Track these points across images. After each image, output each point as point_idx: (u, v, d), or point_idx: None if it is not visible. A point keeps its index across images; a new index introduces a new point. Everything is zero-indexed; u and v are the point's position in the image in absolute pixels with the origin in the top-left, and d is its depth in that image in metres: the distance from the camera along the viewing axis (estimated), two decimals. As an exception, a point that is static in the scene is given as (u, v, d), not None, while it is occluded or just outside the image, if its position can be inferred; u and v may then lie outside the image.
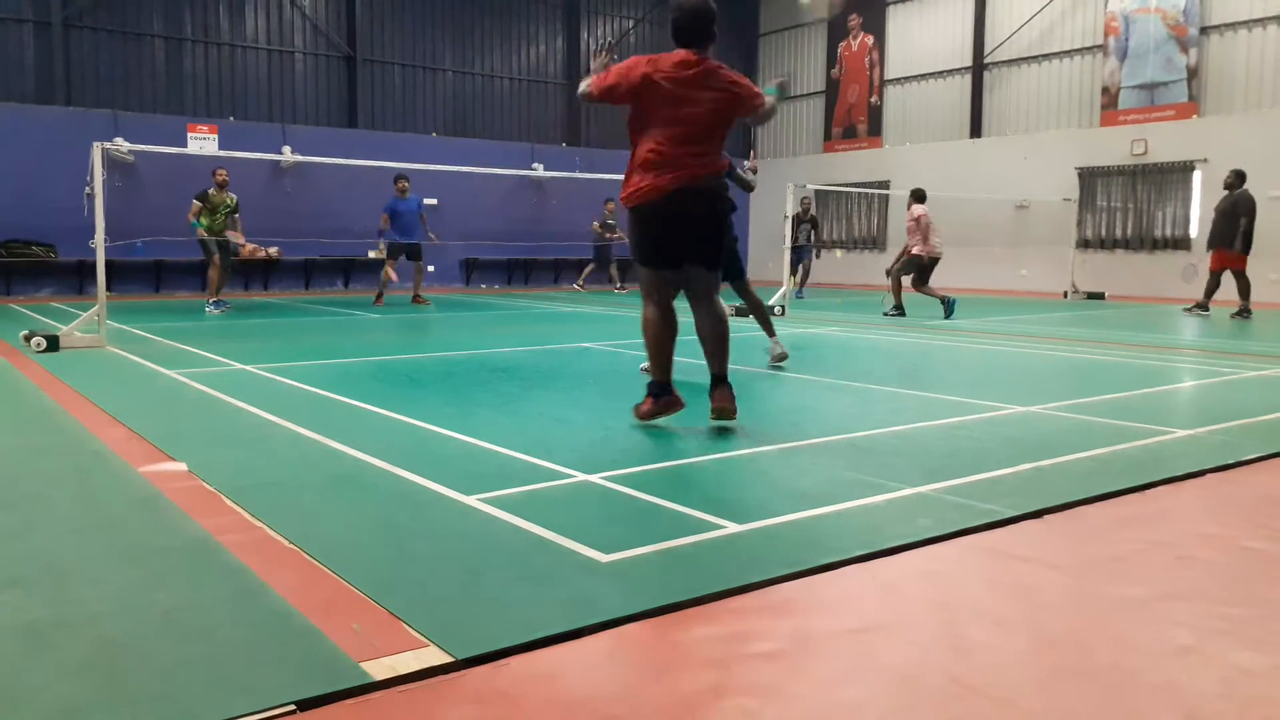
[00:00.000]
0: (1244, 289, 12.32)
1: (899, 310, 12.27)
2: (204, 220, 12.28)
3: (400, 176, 13.87)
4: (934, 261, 12.43)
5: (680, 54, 4.65)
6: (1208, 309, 12.58)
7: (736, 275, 7.13)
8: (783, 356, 7.28)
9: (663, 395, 4.77)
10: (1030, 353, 8.50)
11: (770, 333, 7.42)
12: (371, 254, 18.22)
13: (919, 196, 12.55)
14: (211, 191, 12.34)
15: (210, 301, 12.51)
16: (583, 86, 4.75)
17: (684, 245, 4.70)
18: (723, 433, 4.69)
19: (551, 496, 3.55)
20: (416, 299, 14.25)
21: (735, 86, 4.71)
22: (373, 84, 19.69)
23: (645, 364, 6.03)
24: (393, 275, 14.78)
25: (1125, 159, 17.59)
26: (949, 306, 12.05)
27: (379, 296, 14.29)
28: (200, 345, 8.48)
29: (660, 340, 4.82)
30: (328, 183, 17.50)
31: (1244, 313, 12.22)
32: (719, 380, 4.77)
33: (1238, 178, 12.41)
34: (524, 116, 21.85)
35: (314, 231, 17.04)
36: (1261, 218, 13.59)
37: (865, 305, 14.76)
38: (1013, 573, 2.82)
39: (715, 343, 4.79)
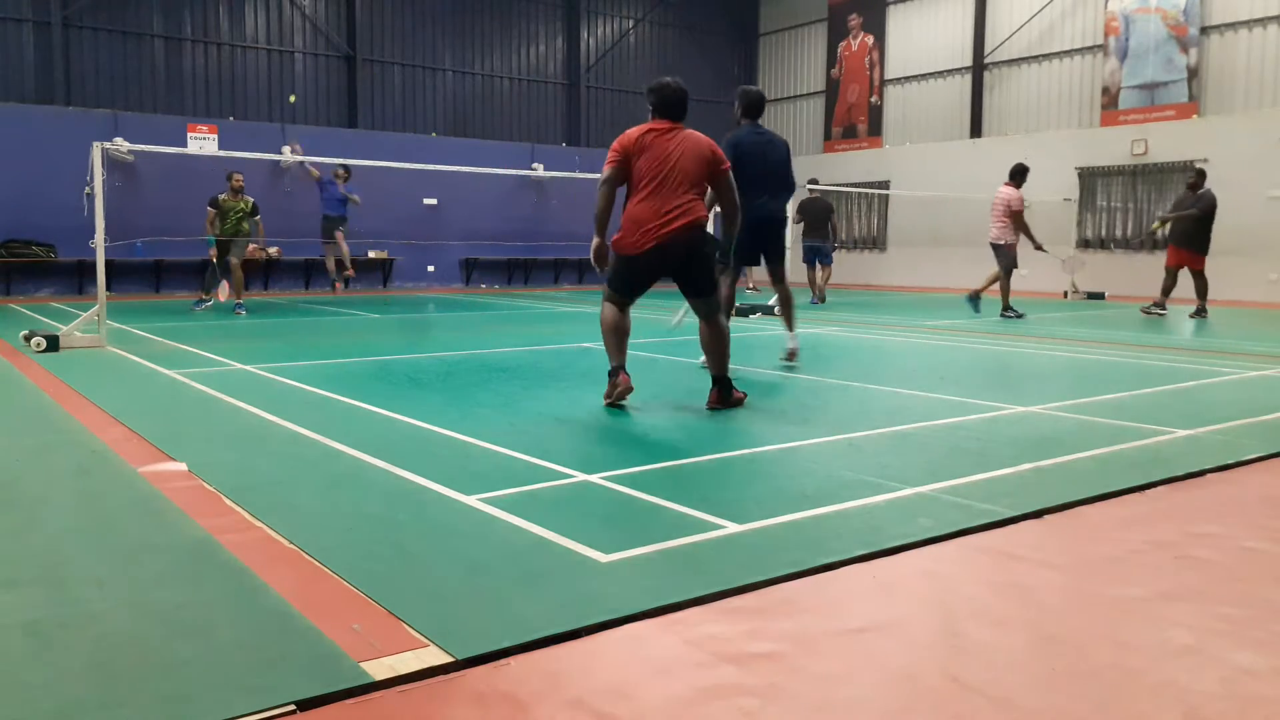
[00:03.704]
0: (1201, 289, 12.19)
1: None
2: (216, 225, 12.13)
3: (340, 168, 15.08)
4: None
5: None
6: (1164, 308, 12.45)
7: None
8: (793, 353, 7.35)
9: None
10: (1030, 353, 8.50)
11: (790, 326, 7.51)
12: (371, 254, 18.23)
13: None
14: (223, 196, 12.14)
15: (236, 302, 12.28)
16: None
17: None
18: (722, 433, 4.69)
19: (551, 496, 3.55)
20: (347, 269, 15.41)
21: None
22: (373, 84, 19.68)
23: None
24: (331, 257, 15.50)
25: (1125, 159, 17.57)
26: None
27: (341, 281, 15.35)
28: (200, 345, 8.48)
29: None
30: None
31: (1201, 312, 12.07)
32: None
33: (1200, 176, 12.31)
34: (524, 116, 21.84)
35: (314, 231, 17.00)
36: (1261, 218, 13.61)
37: (866, 305, 14.74)
38: (1012, 573, 2.82)
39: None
